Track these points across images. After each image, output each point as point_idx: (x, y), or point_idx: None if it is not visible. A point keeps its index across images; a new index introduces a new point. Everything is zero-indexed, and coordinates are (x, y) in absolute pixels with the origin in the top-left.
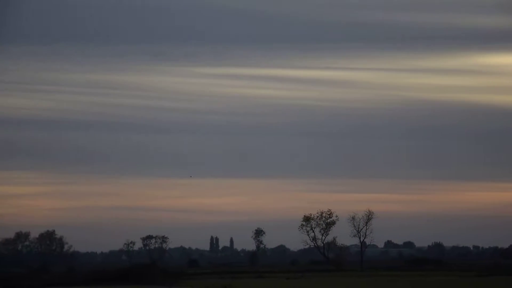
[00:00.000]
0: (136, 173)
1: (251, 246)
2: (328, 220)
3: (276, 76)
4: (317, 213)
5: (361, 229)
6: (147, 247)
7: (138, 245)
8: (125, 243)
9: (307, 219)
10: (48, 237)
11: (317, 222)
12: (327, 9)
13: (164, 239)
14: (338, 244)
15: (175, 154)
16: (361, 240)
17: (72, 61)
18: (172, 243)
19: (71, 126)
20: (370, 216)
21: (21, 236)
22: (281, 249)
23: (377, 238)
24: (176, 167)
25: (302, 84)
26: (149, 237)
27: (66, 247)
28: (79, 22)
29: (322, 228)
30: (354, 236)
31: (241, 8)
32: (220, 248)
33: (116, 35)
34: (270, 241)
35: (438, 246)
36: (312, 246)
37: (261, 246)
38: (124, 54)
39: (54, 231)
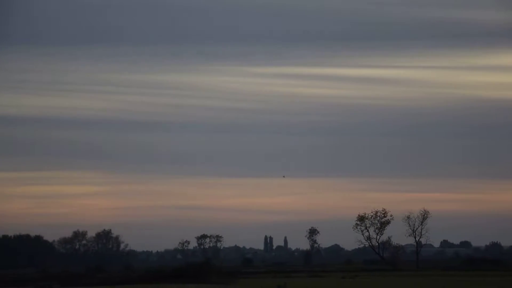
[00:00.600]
0: (191, 172)
1: (305, 245)
2: (382, 220)
3: (332, 75)
4: (372, 212)
5: (417, 229)
6: (202, 246)
7: (193, 244)
8: (180, 242)
9: (361, 218)
10: (105, 236)
11: (371, 221)
12: (385, 8)
13: (218, 238)
14: (393, 244)
15: (231, 153)
16: (417, 239)
17: (130, 61)
18: (226, 242)
19: (128, 127)
20: (425, 215)
21: (78, 235)
22: (335, 249)
23: (433, 238)
24: (232, 166)
25: (357, 83)
26: (204, 236)
27: (122, 246)
28: (137, 23)
29: (376, 228)
30: (409, 235)
31: (296, 8)
32: (274, 247)
33: (171, 36)
34: (324, 241)
35: (496, 245)
36: (366, 246)
37: (315, 245)
38: (180, 54)
39: (110, 230)
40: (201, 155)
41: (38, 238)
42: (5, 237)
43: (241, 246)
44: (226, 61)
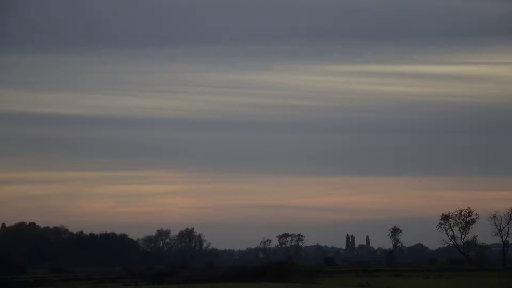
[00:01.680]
0: (272, 171)
1: (387, 244)
2: (467, 219)
3: (411, 72)
4: (456, 211)
5: (503, 228)
6: (283, 245)
7: (275, 243)
8: (261, 241)
9: (445, 217)
10: (188, 234)
11: (456, 220)
12: (466, 3)
13: (300, 237)
14: (478, 243)
15: (311, 152)
16: (503, 239)
17: (205, 61)
18: (308, 241)
19: (205, 126)
20: None
21: (162, 234)
22: (419, 248)
23: None
24: (312, 165)
25: (438, 80)
26: (285, 235)
27: (205, 244)
28: (210, 23)
29: (461, 227)
30: (495, 235)
31: (375, 6)
32: (356, 246)
33: (246, 35)
34: (407, 240)
35: None
36: (451, 245)
37: (398, 244)
38: (256, 53)
39: (193, 229)
40: (282, 154)
41: (123, 237)
42: (92, 235)
43: (322, 245)
44: (304, 59)
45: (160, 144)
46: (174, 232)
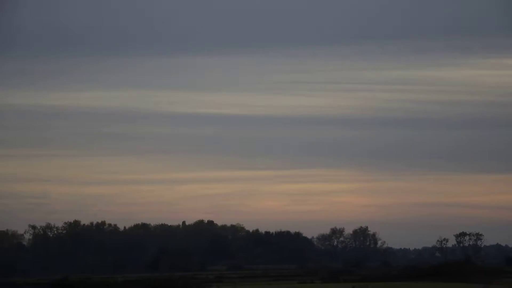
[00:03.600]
0: (446, 169)
1: None
2: None
3: None
4: None
5: None
6: (461, 244)
7: (452, 242)
8: (438, 240)
9: None
10: (362, 233)
11: None
12: None
13: (478, 236)
14: None
15: (486, 149)
16: None
17: (373, 58)
18: (487, 241)
19: (371, 123)
20: None
21: (336, 232)
22: None
23: None
24: (489, 162)
25: None
26: (463, 234)
27: (379, 243)
28: (374, 22)
29: None
30: None
31: None
32: None
33: (416, 31)
34: None
35: None
36: None
37: None
38: (424, 49)
39: (367, 227)
40: (457, 151)
41: (297, 235)
42: (267, 233)
43: (503, 245)
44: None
45: (331, 143)
46: (348, 231)
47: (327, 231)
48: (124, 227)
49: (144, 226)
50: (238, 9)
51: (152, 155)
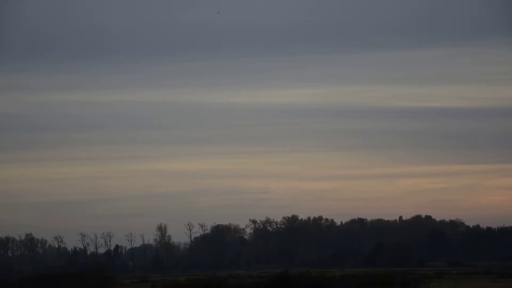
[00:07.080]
0: None
1: None
2: None
3: None
4: None
5: None
6: None
7: None
8: None
9: None
10: None
11: None
12: None
13: None
14: None
15: None
16: None
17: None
18: None
19: None
20: None
21: None
22: None
23: None
24: None
25: None
26: None
27: None
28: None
29: None
30: None
31: None
32: None
33: None
34: None
35: None
36: None
37: None
38: None
39: None
40: None
41: None
42: (489, 229)
43: None
44: None
45: None
46: None
47: None
48: (341, 222)
49: (360, 221)
50: None
51: (371, 150)
